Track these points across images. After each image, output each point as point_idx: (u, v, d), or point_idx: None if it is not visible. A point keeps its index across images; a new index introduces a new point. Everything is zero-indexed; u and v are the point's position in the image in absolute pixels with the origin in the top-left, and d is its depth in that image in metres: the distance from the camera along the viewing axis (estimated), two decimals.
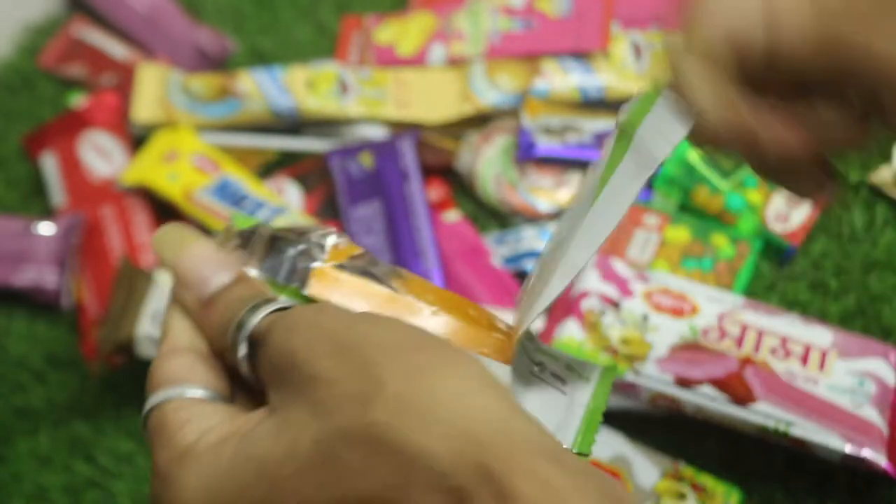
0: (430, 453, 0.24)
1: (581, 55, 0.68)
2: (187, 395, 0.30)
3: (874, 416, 0.48)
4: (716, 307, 0.54)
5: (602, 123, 0.65)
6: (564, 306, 0.55)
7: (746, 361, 0.51)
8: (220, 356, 0.31)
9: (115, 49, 0.78)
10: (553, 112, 0.65)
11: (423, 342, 0.27)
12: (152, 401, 0.30)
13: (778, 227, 0.60)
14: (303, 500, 0.26)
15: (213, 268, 0.31)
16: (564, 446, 0.29)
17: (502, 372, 0.31)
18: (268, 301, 0.30)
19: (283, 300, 0.30)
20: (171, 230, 0.33)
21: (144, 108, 0.70)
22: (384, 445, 0.25)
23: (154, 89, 0.71)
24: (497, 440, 0.24)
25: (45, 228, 0.65)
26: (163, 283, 0.57)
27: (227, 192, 0.65)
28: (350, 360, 0.27)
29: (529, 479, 0.23)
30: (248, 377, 0.30)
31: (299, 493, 0.27)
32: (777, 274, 0.60)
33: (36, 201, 0.71)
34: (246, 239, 0.33)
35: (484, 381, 0.26)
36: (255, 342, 0.29)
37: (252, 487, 0.27)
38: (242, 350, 0.29)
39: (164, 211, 0.66)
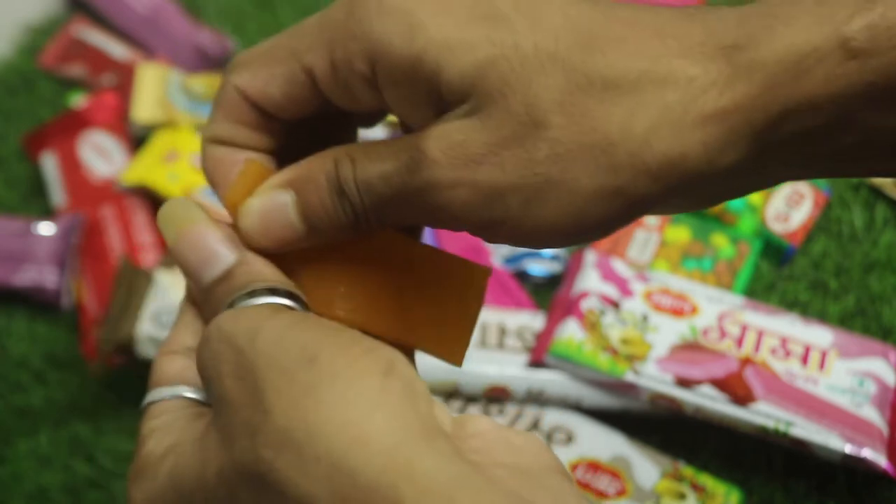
0: (311, 498, 0.22)
1: None
2: (179, 395, 0.29)
3: (874, 416, 0.48)
4: (716, 307, 0.54)
5: None
6: (564, 306, 0.55)
7: (746, 361, 0.51)
8: None
9: (115, 49, 0.78)
10: None
11: (319, 352, 0.24)
12: (145, 401, 0.29)
13: (778, 227, 0.60)
14: None
15: (210, 253, 0.28)
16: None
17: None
18: (252, 294, 0.27)
19: (270, 296, 0.27)
20: (174, 206, 0.29)
21: (144, 108, 0.70)
22: (269, 486, 0.23)
23: (154, 89, 0.71)
24: (381, 482, 0.22)
25: (45, 228, 0.65)
26: (163, 283, 0.57)
27: None
28: (247, 381, 0.24)
29: None
30: None
31: None
32: (777, 274, 0.60)
33: (36, 201, 0.71)
34: None
35: (378, 397, 0.24)
36: None
37: None
38: None
39: None
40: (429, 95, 0.26)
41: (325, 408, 0.23)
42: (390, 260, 0.30)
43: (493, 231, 0.27)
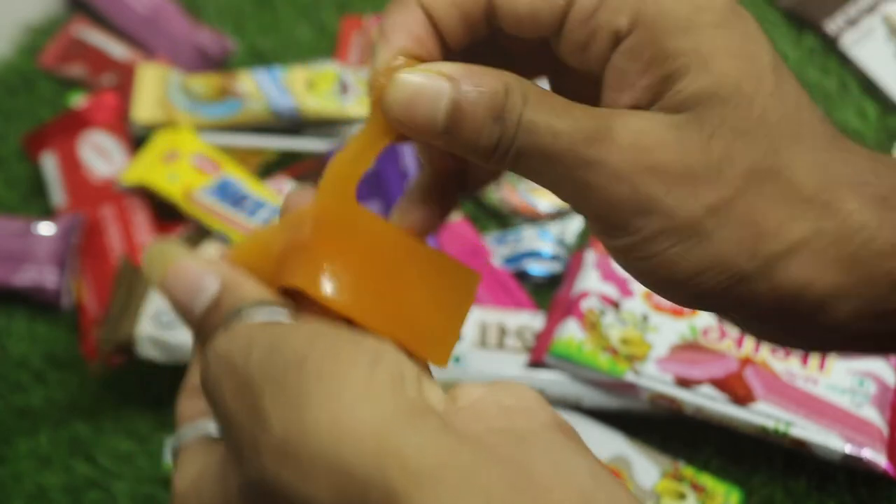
0: (315, 500, 0.23)
1: None
2: (200, 432, 0.29)
3: (874, 416, 0.48)
4: None
5: None
6: (564, 306, 0.55)
7: (746, 361, 0.51)
8: None
9: (115, 49, 0.78)
10: None
11: (308, 353, 0.24)
12: (173, 443, 0.29)
13: None
14: None
15: (196, 284, 0.28)
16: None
17: None
18: (240, 314, 0.27)
19: (256, 310, 0.27)
20: (155, 249, 0.29)
21: (144, 108, 0.70)
22: (280, 498, 0.23)
23: (154, 89, 0.71)
24: (372, 471, 0.22)
25: (45, 228, 0.65)
26: None
27: (227, 193, 0.65)
28: (246, 397, 0.24)
29: None
30: None
31: None
32: None
33: (36, 201, 0.71)
34: None
35: (365, 388, 0.24)
36: None
37: None
38: None
39: (164, 211, 0.66)
40: (656, 84, 0.26)
41: (315, 408, 0.23)
42: (389, 255, 0.29)
43: (614, 241, 0.27)
